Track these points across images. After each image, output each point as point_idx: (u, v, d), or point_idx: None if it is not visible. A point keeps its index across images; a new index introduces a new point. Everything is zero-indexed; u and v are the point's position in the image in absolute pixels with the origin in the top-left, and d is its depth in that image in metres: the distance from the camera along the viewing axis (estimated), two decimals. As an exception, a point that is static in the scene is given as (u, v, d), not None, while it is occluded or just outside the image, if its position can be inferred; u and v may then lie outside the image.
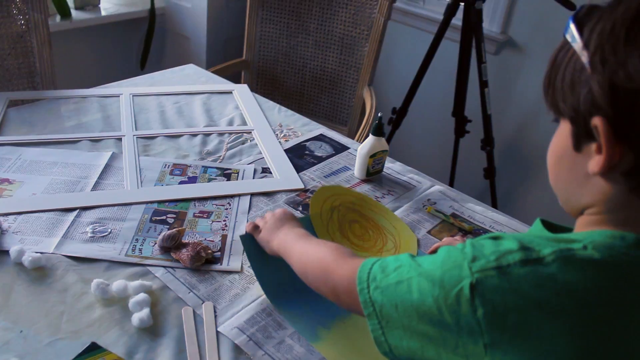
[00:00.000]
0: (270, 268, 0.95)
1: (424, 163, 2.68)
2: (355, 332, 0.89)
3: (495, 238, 0.58)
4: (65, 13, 2.34)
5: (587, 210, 0.59)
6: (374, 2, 2.01)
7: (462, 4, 2.00)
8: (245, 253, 0.97)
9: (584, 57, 0.53)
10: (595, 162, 0.54)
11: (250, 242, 0.96)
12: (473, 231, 1.17)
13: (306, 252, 0.82)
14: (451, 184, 2.38)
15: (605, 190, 0.56)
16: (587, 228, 0.59)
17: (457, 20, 2.06)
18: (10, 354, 0.79)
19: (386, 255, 1.05)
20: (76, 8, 2.47)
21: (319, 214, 1.10)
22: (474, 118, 2.20)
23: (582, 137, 0.56)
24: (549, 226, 0.67)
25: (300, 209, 1.17)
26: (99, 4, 2.55)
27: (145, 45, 2.67)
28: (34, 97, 1.50)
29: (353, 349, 0.86)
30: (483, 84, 2.05)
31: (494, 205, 2.26)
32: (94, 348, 0.79)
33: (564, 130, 0.59)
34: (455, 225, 1.18)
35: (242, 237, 0.97)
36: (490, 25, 2.27)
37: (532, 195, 2.39)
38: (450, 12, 2.04)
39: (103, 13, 2.53)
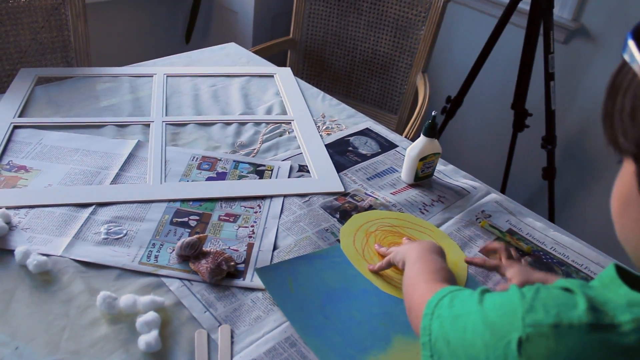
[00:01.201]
0: (297, 295, 0.84)
1: (477, 157, 2.52)
2: (390, 373, 0.77)
3: (566, 289, 0.48)
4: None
5: None
6: (434, -18, 1.84)
7: (532, -14, 1.81)
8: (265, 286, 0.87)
9: None
10: None
11: (269, 274, 0.88)
12: (532, 252, 1.02)
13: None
14: (505, 182, 2.21)
15: None
16: None
17: (525, 4, 1.87)
18: (0, 375, 0.71)
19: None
20: (120, -23, 2.38)
21: (352, 243, 0.98)
22: (535, 112, 2.01)
23: None
24: (627, 276, 0.53)
25: (338, 216, 1.04)
26: (145, -27, 2.46)
27: (190, 19, 2.57)
28: (63, 74, 1.41)
29: (387, 396, 0.74)
30: (549, 77, 1.87)
31: (551, 209, 2.08)
32: (90, 377, 0.69)
33: (627, 172, 0.49)
34: (512, 244, 1.04)
35: (259, 271, 0.88)
36: (561, 10, 2.06)
37: (592, 200, 2.20)
38: (518, -6, 1.85)
39: (149, -17, 2.44)
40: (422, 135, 1.12)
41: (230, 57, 1.62)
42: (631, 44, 0.46)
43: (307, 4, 2.03)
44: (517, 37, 1.98)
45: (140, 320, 0.78)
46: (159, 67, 1.48)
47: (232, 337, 0.79)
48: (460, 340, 0.53)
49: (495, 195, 1.17)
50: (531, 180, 2.24)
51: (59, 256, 0.88)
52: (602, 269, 1.01)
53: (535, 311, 0.47)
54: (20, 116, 1.21)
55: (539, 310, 0.47)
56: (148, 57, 1.54)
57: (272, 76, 1.53)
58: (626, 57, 0.47)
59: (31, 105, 1.27)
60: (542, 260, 1.01)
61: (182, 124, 1.26)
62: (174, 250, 0.91)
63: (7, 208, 0.94)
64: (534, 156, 2.12)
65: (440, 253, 0.85)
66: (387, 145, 1.29)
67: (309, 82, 1.55)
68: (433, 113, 1.11)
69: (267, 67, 1.59)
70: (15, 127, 1.18)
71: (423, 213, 1.09)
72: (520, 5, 1.87)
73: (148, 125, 1.23)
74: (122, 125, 1.23)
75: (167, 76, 1.44)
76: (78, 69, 1.44)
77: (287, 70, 1.57)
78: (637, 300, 0.46)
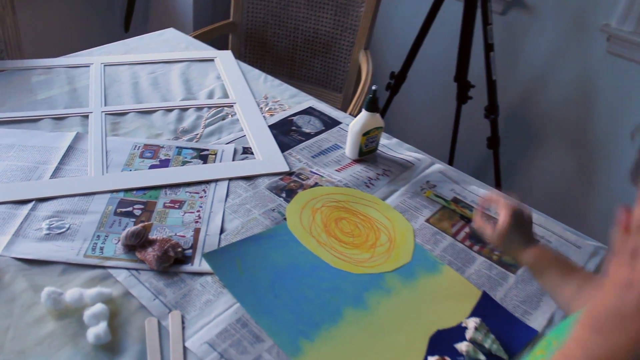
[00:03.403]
0: (246, 277, 0.85)
1: (423, 131, 2.55)
2: (342, 344, 0.78)
3: None
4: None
5: None
6: (370, -42, 1.84)
7: (467, -41, 1.84)
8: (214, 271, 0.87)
9: None
10: None
11: (217, 258, 0.88)
12: (476, 219, 1.05)
13: None
14: (452, 154, 2.25)
15: None
16: None
17: (461, -24, 1.89)
18: (-57, 380, 0.69)
19: (380, 253, 0.94)
20: (51, -34, 2.30)
21: (299, 221, 0.98)
22: (477, 84, 2.05)
23: None
24: None
25: (284, 195, 1.05)
26: (77, -39, 2.38)
27: (128, 5, 2.51)
28: (-6, 68, 1.36)
29: (339, 367, 0.76)
30: (488, 47, 1.90)
31: (497, 177, 2.14)
32: (38, 374, 0.68)
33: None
34: (457, 212, 1.06)
35: (207, 256, 0.88)
36: (497, -19, 2.10)
37: (535, 166, 2.27)
38: (453, -32, 1.87)
39: (81, -29, 2.36)
40: (363, 110, 1.13)
41: (169, 43, 1.59)
42: None
43: (246, -14, 2.00)
44: (455, 11, 2.01)
45: (88, 313, 0.77)
46: (96, 57, 1.44)
47: (183, 322, 0.79)
48: None
49: (439, 166, 1.19)
50: (477, 151, 2.30)
51: (0, 256, 0.85)
52: (541, 229, 1.05)
53: None
54: (-51, 114, 1.17)
55: None
56: (86, 48, 1.49)
57: (213, 60, 1.51)
58: None
59: (-39, 102, 1.22)
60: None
61: (122, 114, 1.23)
62: (119, 240, 0.90)
63: (-59, 209, 0.91)
64: (479, 127, 2.16)
65: None
66: (330, 123, 1.29)
67: (252, 65, 1.53)
68: (373, 87, 1.12)
69: (207, 51, 1.57)
70: (-55, 126, 1.13)
71: (369, 187, 1.10)
72: (457, -22, 1.89)
73: (87, 117, 1.21)
74: (59, 118, 1.19)
75: (104, 65, 1.40)
76: (9, 62, 1.39)
77: (228, 54, 1.55)
78: None
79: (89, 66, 1.40)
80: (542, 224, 1.06)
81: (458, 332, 0.82)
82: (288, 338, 0.78)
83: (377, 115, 1.14)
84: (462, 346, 0.80)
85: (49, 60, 1.40)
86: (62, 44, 2.31)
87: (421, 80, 2.41)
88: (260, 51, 2.10)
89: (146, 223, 0.91)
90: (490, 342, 0.80)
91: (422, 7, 2.02)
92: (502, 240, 0.85)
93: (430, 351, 0.79)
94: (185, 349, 0.75)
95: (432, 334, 0.82)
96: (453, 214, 1.06)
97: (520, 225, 0.86)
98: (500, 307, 0.88)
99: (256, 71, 1.49)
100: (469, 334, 0.82)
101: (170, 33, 1.65)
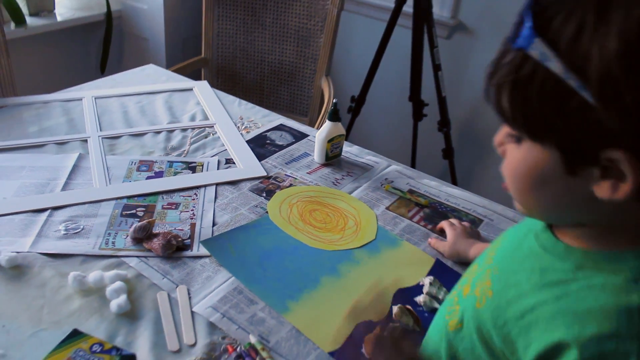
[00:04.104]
0: (237, 257, 1.02)
1: (385, 148, 2.76)
2: (320, 303, 0.95)
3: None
4: (19, 20, 2.34)
5: (585, 225, 0.56)
6: (326, -6, 2.07)
7: (411, -9, 2.08)
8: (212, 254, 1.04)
9: (573, 82, 0.45)
10: (609, 189, 0.48)
11: (213, 243, 1.05)
12: (429, 205, 1.24)
13: None
14: (413, 167, 2.46)
15: (618, 208, 0.50)
16: (598, 242, 0.55)
17: (408, 7, 2.13)
18: (-5, 346, 0.83)
19: (349, 234, 1.12)
20: (30, 14, 2.46)
21: (279, 213, 1.16)
22: (430, 101, 2.28)
23: (577, 163, 0.49)
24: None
25: (264, 195, 1.22)
26: (54, 9, 2.55)
27: (104, 48, 2.69)
28: (-4, 104, 1.52)
29: (319, 318, 0.92)
30: (436, 68, 2.13)
31: (454, 183, 2.35)
32: (76, 334, 0.83)
33: (538, 154, 0.52)
34: (412, 201, 1.25)
35: (204, 242, 1.05)
36: (441, 10, 2.35)
37: (490, 172, 2.49)
38: (400, -1, 2.11)
39: (59, 18, 2.53)
40: (327, 120, 1.32)
41: (151, 77, 1.77)
42: (540, 43, 0.46)
43: (216, 25, 2.21)
44: (405, 37, 2.24)
45: (109, 288, 0.92)
46: (86, 91, 1.61)
47: (189, 294, 0.95)
48: None
49: (395, 166, 1.38)
50: (436, 163, 2.51)
51: (27, 252, 1.00)
52: (485, 210, 1.24)
53: None
54: (-38, 145, 1.32)
55: None
56: (69, 87, 1.65)
57: (192, 89, 1.69)
58: (533, 53, 0.47)
59: (-30, 134, 1.37)
60: (438, 210, 1.23)
61: (117, 137, 1.40)
62: (127, 235, 1.06)
63: (-28, 219, 1.06)
64: (435, 139, 2.38)
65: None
66: (299, 136, 1.48)
67: (226, 92, 1.72)
68: (334, 100, 1.31)
69: (186, 82, 1.75)
70: (-39, 154, 1.28)
71: (336, 185, 1.29)
72: (405, 8, 2.13)
73: (85, 141, 1.37)
74: (61, 143, 1.36)
75: (95, 98, 1.57)
76: (8, 99, 1.55)
77: (204, 83, 1.74)
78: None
79: (81, 99, 1.56)
80: (486, 206, 1.26)
81: (417, 289, 1.00)
82: (277, 299, 0.95)
83: (339, 124, 1.33)
84: (420, 298, 0.98)
85: (44, 96, 1.56)
86: (45, 87, 2.47)
87: (380, 102, 2.63)
88: (231, 82, 2.29)
89: (150, 219, 1.08)
90: (443, 294, 0.98)
91: (375, 35, 2.24)
92: (450, 253, 1.08)
93: (394, 303, 0.96)
94: (193, 313, 0.91)
95: (395, 291, 0.99)
96: (409, 202, 1.25)
97: (464, 238, 1.08)
98: (451, 269, 1.06)
99: (230, 97, 1.68)
100: (425, 289, 1.00)
101: (150, 68, 1.83)
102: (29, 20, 2.42)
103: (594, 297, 0.52)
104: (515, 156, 0.55)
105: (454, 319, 0.69)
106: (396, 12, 2.14)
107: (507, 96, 0.51)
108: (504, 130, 0.56)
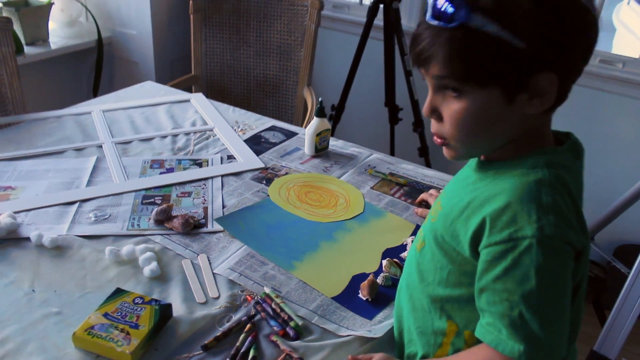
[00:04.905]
0: (247, 230, 1.20)
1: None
2: (321, 261, 1.13)
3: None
4: (18, 49, 2.50)
5: (510, 142, 0.74)
6: (305, 12, 2.27)
7: (382, 5, 2.29)
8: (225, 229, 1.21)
9: (506, 35, 0.64)
10: (537, 104, 0.68)
11: (225, 220, 1.22)
12: (408, 184, 1.43)
13: None
14: (392, 167, 2.65)
15: (531, 120, 0.71)
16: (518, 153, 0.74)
17: (379, 21, 2.33)
18: (50, 307, 0.99)
19: (340, 209, 1.30)
20: (27, 44, 2.63)
21: (278, 196, 1.34)
22: (405, 106, 2.48)
23: (514, 92, 0.68)
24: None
25: (265, 182, 1.40)
26: (48, 38, 2.72)
27: (96, 73, 2.85)
28: (14, 120, 1.68)
29: (321, 272, 1.10)
30: (408, 73, 2.34)
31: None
32: (119, 291, 0.99)
33: (482, 98, 0.68)
34: (393, 181, 1.44)
35: (218, 220, 1.23)
36: (409, 21, 2.56)
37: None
38: (372, 13, 2.31)
39: (52, 47, 2.70)
40: (315, 117, 1.51)
41: (150, 92, 1.94)
42: (475, 15, 0.65)
43: (204, 45, 2.39)
44: (378, 47, 2.44)
45: (142, 257, 1.09)
46: (94, 106, 1.78)
47: (209, 260, 1.12)
48: None
49: (377, 155, 1.57)
50: (412, 161, 2.69)
51: (65, 235, 1.16)
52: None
53: None
54: (-10, 155, 1.47)
55: None
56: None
57: (189, 100, 1.87)
58: (472, 24, 0.65)
59: (-5, 146, 1.53)
60: (416, 188, 1.42)
61: (128, 142, 1.57)
62: (150, 219, 1.22)
63: (15, 212, 1.22)
64: (412, 141, 2.58)
65: None
66: (290, 134, 1.66)
67: (219, 101, 1.90)
68: (320, 99, 1.50)
69: (183, 94, 1.93)
70: (-10, 162, 1.44)
71: (326, 172, 1.47)
72: (375, 22, 2.33)
73: (100, 147, 1.53)
74: (79, 149, 1.52)
75: (103, 111, 1.74)
76: (25, 115, 1.71)
77: (200, 95, 1.91)
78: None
79: (90, 113, 1.73)
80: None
81: (401, 248, 1.18)
82: (284, 260, 1.12)
83: (325, 119, 1.52)
84: (405, 254, 1.15)
85: (56, 111, 1.73)
86: (42, 108, 2.62)
87: (358, 108, 2.83)
88: (220, 97, 2.47)
89: (169, 204, 1.24)
90: (423, 250, 1.16)
91: (351, 48, 2.44)
92: None
93: (383, 259, 1.14)
94: (214, 274, 1.08)
95: (384, 250, 1.17)
96: (390, 182, 1.43)
97: None
98: (429, 232, 1.24)
99: (225, 105, 1.86)
100: (408, 246, 1.17)
101: (149, 85, 2.01)
102: (26, 49, 2.59)
103: (503, 184, 0.72)
104: (458, 108, 0.71)
105: (419, 242, 0.88)
106: (368, 26, 2.35)
107: (454, 60, 0.67)
108: (431, 100, 0.75)
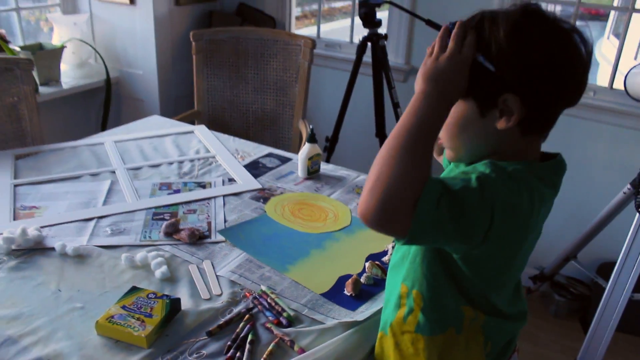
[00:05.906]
0: (246, 239, 1.35)
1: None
2: (312, 265, 1.28)
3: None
4: (34, 89, 2.69)
5: (489, 156, 0.85)
6: (298, 50, 2.47)
7: (369, 43, 2.49)
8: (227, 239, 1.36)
9: (482, 59, 0.79)
10: (505, 121, 0.80)
11: (227, 232, 1.38)
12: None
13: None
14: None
15: (510, 136, 0.82)
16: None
17: (367, 57, 2.53)
18: (75, 303, 1.14)
19: (330, 222, 1.46)
20: (41, 84, 2.82)
21: (274, 212, 1.50)
22: (392, 135, 2.64)
23: (487, 108, 0.81)
24: None
25: (262, 200, 1.56)
26: (60, 78, 2.91)
27: (104, 110, 3.04)
28: (34, 150, 1.85)
29: (311, 274, 1.25)
30: (395, 105, 2.52)
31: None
32: (135, 289, 1.14)
33: (461, 108, 0.83)
34: (377, 199, 1.59)
35: (220, 232, 1.38)
36: (396, 58, 2.76)
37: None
38: (361, 51, 2.51)
39: (64, 87, 2.89)
40: (306, 142, 1.67)
41: (157, 125, 2.12)
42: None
43: (205, 82, 2.59)
44: (367, 82, 2.63)
45: (154, 262, 1.24)
46: (106, 137, 1.95)
47: (212, 265, 1.27)
48: None
49: (364, 176, 1.73)
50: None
51: (85, 245, 1.32)
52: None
53: None
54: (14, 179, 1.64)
55: None
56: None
57: (193, 132, 2.05)
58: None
59: (18, 172, 1.69)
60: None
61: (138, 168, 1.73)
62: (160, 231, 1.38)
63: (41, 227, 1.37)
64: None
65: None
66: (285, 160, 1.83)
67: (221, 132, 2.07)
68: (311, 126, 1.67)
69: (187, 126, 2.10)
70: (15, 186, 1.60)
71: (317, 191, 1.63)
72: (364, 59, 2.53)
73: (114, 172, 1.70)
74: (94, 174, 1.68)
75: (115, 142, 1.91)
76: (43, 146, 1.88)
77: (203, 127, 2.09)
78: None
79: (103, 143, 1.90)
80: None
81: (383, 253, 1.33)
82: (279, 264, 1.27)
83: (316, 145, 1.69)
84: (386, 258, 1.31)
85: (71, 142, 1.90)
86: (56, 141, 2.80)
87: (350, 140, 3.00)
88: (221, 130, 2.64)
89: (177, 218, 1.40)
90: (402, 255, 1.31)
91: (342, 83, 2.63)
92: None
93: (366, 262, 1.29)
94: (217, 275, 1.23)
95: (367, 255, 1.32)
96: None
97: None
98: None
99: (225, 135, 2.03)
100: (389, 252, 1.33)
101: (155, 119, 2.19)
102: (40, 88, 2.78)
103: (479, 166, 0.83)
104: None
105: None
106: (357, 63, 2.54)
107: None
108: None
